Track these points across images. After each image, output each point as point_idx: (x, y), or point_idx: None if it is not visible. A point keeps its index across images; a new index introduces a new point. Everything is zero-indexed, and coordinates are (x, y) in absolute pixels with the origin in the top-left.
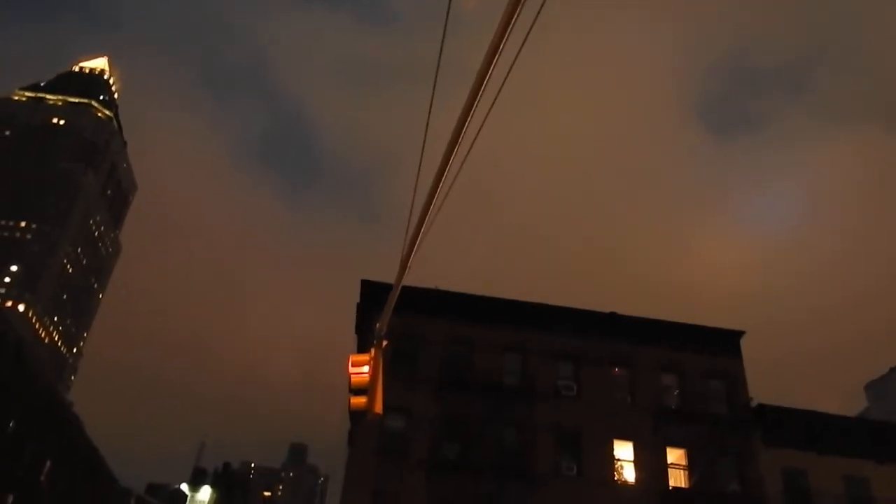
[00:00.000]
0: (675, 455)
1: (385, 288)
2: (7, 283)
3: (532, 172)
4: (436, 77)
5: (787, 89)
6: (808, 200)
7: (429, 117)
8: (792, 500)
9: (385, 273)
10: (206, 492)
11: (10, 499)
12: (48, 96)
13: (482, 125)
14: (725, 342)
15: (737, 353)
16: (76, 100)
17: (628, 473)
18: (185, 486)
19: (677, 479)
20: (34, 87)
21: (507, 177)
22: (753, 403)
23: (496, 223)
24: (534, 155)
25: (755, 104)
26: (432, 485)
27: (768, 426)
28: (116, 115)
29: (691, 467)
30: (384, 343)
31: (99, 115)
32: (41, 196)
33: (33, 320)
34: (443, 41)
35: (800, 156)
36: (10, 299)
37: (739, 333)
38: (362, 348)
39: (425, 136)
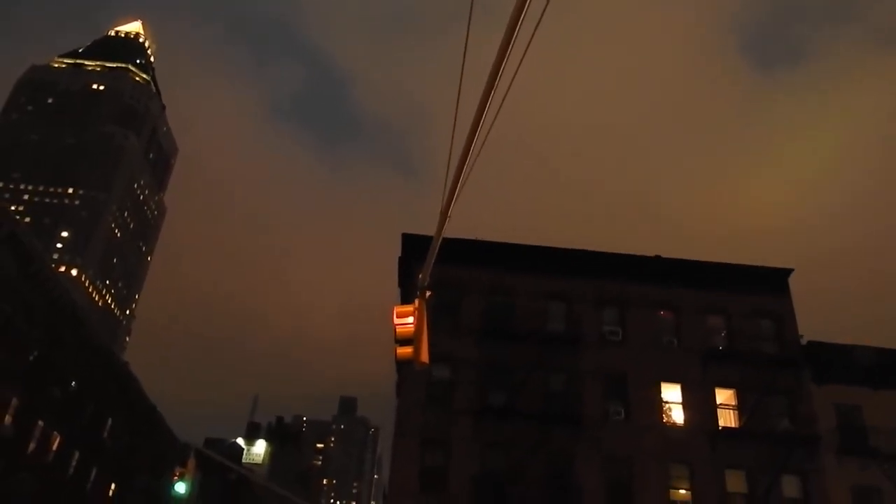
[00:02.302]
0: (724, 395)
1: (426, 240)
2: (59, 248)
3: (570, 117)
4: (469, 22)
5: (831, 16)
6: (847, 134)
7: (463, 64)
8: (846, 436)
9: (425, 226)
10: (261, 445)
11: (77, 454)
12: (87, 62)
13: (517, 69)
14: (773, 281)
15: (785, 291)
16: (114, 64)
17: (677, 415)
18: (241, 440)
19: (727, 419)
20: (73, 54)
21: (546, 122)
22: (803, 341)
23: (536, 170)
24: (572, 99)
25: (796, 34)
26: (480, 432)
27: (819, 363)
28: (153, 78)
29: (741, 407)
30: (427, 294)
31: (136, 79)
32: (86, 162)
33: (86, 284)
34: None
35: (840, 90)
36: (62, 264)
37: (788, 271)
38: (406, 301)
39: (460, 83)
